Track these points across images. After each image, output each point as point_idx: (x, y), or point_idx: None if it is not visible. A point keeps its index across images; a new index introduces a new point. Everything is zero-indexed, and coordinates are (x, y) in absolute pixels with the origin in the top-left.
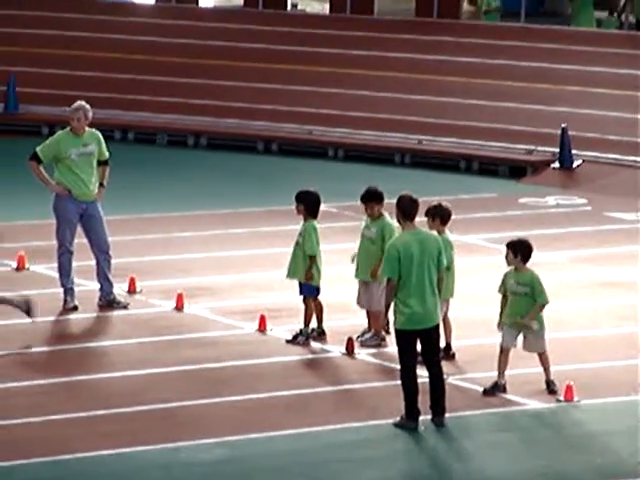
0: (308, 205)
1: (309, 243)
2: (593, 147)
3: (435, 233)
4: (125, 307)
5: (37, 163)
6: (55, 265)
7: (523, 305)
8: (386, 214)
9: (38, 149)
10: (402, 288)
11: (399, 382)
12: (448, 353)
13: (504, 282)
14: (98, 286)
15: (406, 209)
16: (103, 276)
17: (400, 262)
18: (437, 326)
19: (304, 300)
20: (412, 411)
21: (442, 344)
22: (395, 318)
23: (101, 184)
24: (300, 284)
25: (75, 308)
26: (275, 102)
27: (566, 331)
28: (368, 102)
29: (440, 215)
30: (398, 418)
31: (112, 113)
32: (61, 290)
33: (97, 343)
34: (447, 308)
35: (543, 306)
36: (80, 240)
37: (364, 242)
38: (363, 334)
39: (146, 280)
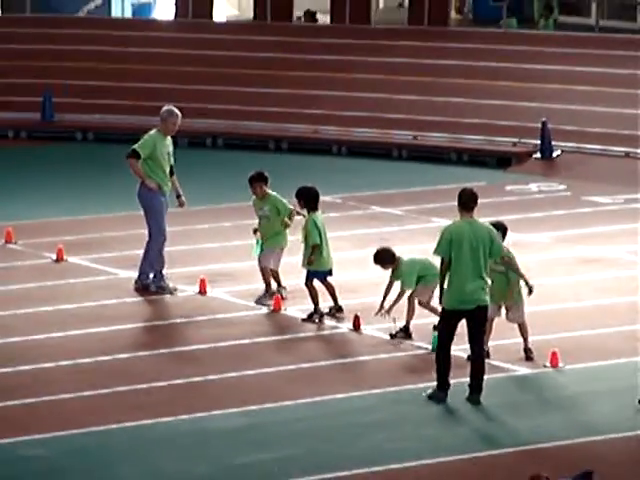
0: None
1: (312, 234)
2: (571, 138)
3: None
4: (171, 293)
5: (135, 160)
6: (90, 256)
7: (500, 283)
8: (270, 191)
9: (136, 147)
10: (453, 269)
11: (402, 354)
12: (407, 333)
13: None
14: (137, 274)
15: (465, 201)
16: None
17: (451, 244)
18: (482, 307)
19: (306, 284)
20: (443, 384)
21: (402, 324)
22: (444, 297)
23: (178, 195)
24: (308, 271)
25: (175, 290)
26: (285, 105)
27: (550, 304)
28: (368, 103)
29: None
30: (430, 390)
31: (138, 119)
32: (93, 279)
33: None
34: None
35: (518, 281)
36: (121, 232)
37: (262, 221)
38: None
39: (172, 268)
